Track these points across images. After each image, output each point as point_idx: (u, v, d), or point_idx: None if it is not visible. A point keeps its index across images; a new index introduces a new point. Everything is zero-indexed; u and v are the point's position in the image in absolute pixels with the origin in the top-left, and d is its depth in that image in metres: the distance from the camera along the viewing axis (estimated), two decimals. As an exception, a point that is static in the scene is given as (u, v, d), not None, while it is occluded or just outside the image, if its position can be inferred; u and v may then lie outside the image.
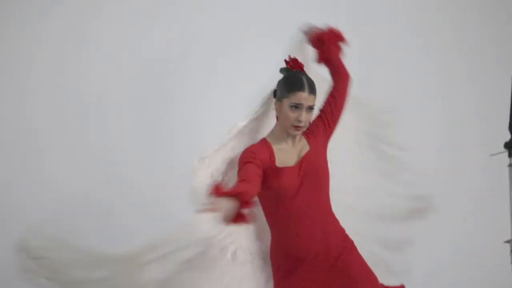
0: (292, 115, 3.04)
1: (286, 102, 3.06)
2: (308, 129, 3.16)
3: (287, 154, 3.10)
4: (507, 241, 3.93)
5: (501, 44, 5.08)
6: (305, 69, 3.22)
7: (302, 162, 3.08)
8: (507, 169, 3.87)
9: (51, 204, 4.30)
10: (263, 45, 4.46)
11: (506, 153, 3.86)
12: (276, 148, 3.09)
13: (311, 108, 3.07)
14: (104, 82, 4.44)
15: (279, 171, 3.04)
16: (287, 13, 4.58)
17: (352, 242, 3.15)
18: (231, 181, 3.08)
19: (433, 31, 5.00)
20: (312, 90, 3.07)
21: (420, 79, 4.97)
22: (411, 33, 4.96)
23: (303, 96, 3.04)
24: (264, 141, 3.11)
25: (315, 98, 3.08)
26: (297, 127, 3.05)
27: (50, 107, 4.41)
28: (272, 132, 3.15)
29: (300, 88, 3.05)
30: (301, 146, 3.14)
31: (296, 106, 3.03)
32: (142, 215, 4.37)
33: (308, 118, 3.07)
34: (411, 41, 4.96)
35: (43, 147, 4.37)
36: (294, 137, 3.12)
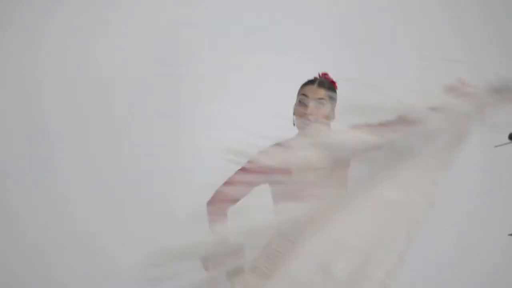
0: (300, 110, 2.86)
1: (296, 100, 2.93)
2: None
3: None
4: (511, 234, 3.93)
5: (501, 44, 5.08)
6: None
7: None
8: (507, 168, 3.87)
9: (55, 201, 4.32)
10: (274, 47, 4.47)
11: (510, 147, 3.84)
12: None
13: (320, 100, 2.88)
14: (106, 80, 4.45)
15: None
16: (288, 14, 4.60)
17: None
18: None
19: (433, 31, 5.01)
20: (323, 85, 2.92)
21: (420, 79, 4.96)
22: (411, 33, 4.96)
23: (310, 88, 2.89)
24: None
25: (326, 93, 2.89)
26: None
27: (51, 107, 4.41)
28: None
29: (309, 82, 2.93)
30: None
31: (302, 100, 2.87)
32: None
33: (317, 111, 2.87)
34: (411, 41, 4.96)
35: (46, 146, 4.38)
36: None
